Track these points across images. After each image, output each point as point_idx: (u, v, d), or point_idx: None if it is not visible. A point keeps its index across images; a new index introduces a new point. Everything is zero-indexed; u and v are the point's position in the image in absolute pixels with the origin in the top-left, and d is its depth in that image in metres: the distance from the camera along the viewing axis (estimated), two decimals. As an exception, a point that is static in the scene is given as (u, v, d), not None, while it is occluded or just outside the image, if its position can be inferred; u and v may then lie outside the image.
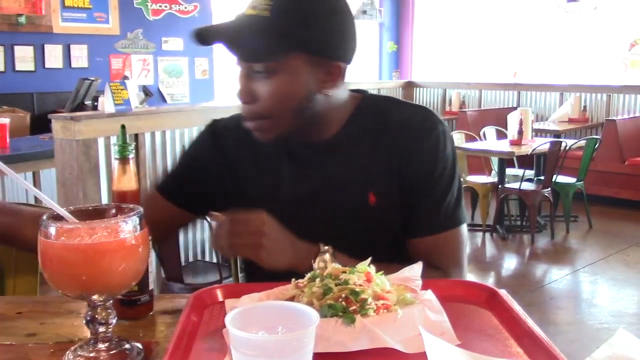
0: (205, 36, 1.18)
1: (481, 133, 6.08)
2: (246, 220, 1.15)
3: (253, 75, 1.18)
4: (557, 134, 6.63)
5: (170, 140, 3.54)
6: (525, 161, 5.42)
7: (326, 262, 1.13)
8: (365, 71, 9.13)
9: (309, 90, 1.20)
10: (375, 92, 7.06)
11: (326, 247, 1.16)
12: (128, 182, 1.02)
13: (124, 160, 1.02)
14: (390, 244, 1.29)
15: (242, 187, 1.34)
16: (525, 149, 5.24)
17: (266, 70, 1.16)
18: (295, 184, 1.30)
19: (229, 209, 1.30)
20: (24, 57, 6.25)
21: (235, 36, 1.16)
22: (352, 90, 1.35)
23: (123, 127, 1.02)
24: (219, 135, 1.37)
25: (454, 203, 1.28)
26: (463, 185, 4.64)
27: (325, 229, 1.22)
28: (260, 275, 1.19)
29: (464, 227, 1.30)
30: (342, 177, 1.28)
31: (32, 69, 6.31)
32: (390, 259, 1.18)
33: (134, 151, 1.03)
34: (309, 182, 1.29)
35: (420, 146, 1.25)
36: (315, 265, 1.13)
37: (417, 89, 9.10)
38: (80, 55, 6.59)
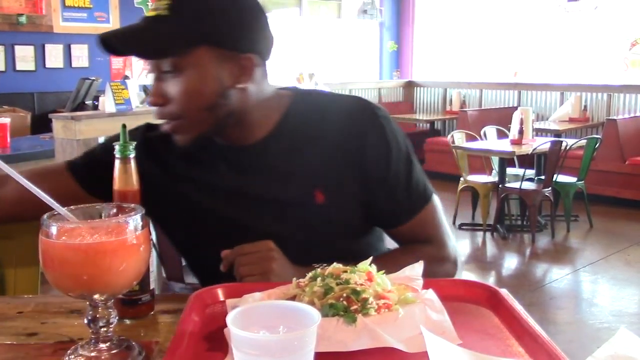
0: (107, 44, 1.15)
1: (482, 133, 6.08)
2: (256, 250, 1.15)
3: (162, 77, 1.17)
4: (557, 134, 6.63)
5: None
6: (525, 161, 5.42)
7: None
8: (366, 71, 9.13)
9: (221, 85, 1.18)
10: (376, 91, 7.06)
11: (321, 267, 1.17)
12: (129, 181, 1.02)
13: (125, 159, 1.02)
14: (348, 239, 1.28)
15: (179, 195, 1.30)
16: (526, 149, 5.24)
17: (172, 68, 1.15)
18: (234, 189, 1.27)
19: (168, 215, 1.31)
20: (25, 56, 6.25)
21: (134, 38, 1.15)
22: (282, 88, 1.33)
23: (124, 126, 1.02)
24: (150, 143, 1.32)
25: (421, 179, 1.29)
26: (464, 185, 4.65)
27: (275, 232, 1.20)
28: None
29: (435, 197, 1.31)
30: (283, 178, 1.25)
31: (33, 68, 6.32)
32: (351, 254, 1.20)
33: (134, 151, 1.03)
34: (248, 185, 1.26)
35: (368, 137, 1.24)
36: None
37: (418, 88, 9.10)
38: (80, 55, 6.60)
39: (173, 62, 1.15)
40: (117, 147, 1.01)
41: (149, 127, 1.37)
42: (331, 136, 1.24)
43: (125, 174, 1.02)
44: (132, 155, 1.02)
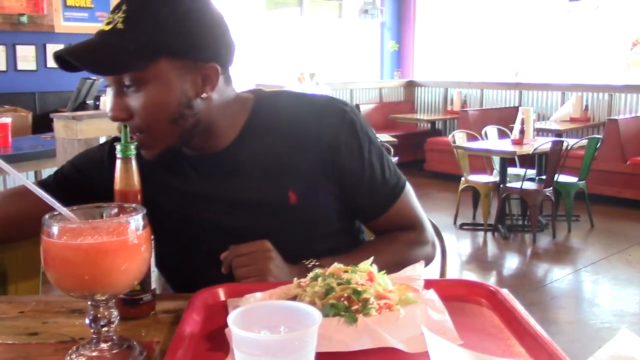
0: (63, 60, 1.12)
1: (483, 132, 6.08)
2: (253, 250, 1.16)
3: (123, 91, 1.15)
4: (558, 134, 6.63)
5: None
6: (526, 161, 5.42)
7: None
8: (367, 71, 9.13)
9: (184, 96, 1.16)
10: (377, 91, 7.05)
11: (311, 263, 1.18)
12: (130, 181, 1.02)
13: (126, 159, 1.02)
14: (326, 237, 1.29)
15: (153, 203, 1.29)
16: (527, 149, 5.24)
17: (133, 82, 1.13)
18: (209, 195, 1.27)
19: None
20: (26, 56, 6.25)
21: (90, 54, 1.12)
22: (244, 91, 1.33)
23: (125, 126, 1.02)
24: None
25: (393, 169, 1.31)
26: (465, 185, 4.64)
27: (252, 234, 1.19)
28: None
29: (408, 186, 1.33)
30: (255, 180, 1.25)
31: (34, 68, 6.32)
32: (331, 251, 1.21)
33: (135, 150, 1.03)
34: (222, 191, 1.26)
35: (340, 135, 1.24)
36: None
37: (419, 88, 9.10)
38: (82, 55, 6.59)
39: (133, 76, 1.12)
40: (118, 147, 1.01)
41: (116, 140, 1.35)
42: (302, 136, 1.24)
43: (126, 174, 1.02)
44: (134, 155, 1.02)
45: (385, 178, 1.29)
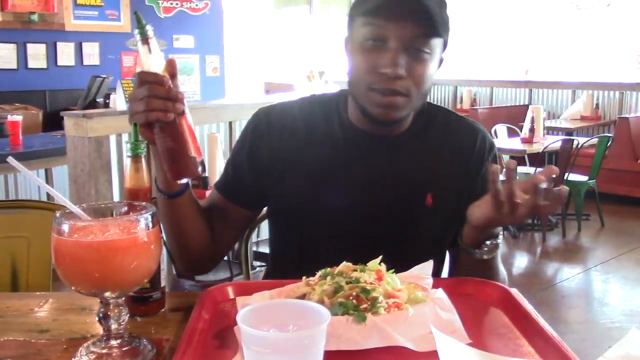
0: (391, 4, 1.18)
1: (492, 131, 6.05)
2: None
3: (410, 52, 1.19)
4: (569, 132, 6.59)
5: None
6: (536, 159, 5.39)
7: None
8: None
9: (434, 73, 1.25)
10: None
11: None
12: (140, 179, 1.03)
13: (136, 157, 1.02)
14: (439, 247, 1.33)
15: (294, 173, 1.32)
16: (537, 147, 5.21)
17: (427, 47, 1.19)
18: (351, 172, 1.29)
19: (279, 194, 1.32)
20: (37, 54, 6.29)
21: (427, 9, 1.17)
22: None
23: (135, 125, 1.03)
24: (272, 121, 1.34)
25: None
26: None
27: (383, 223, 1.23)
28: (285, 268, 1.23)
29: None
30: (402, 175, 1.29)
31: (45, 66, 6.35)
32: (437, 261, 1.24)
33: (145, 149, 1.03)
34: (367, 172, 1.29)
35: (484, 164, 1.31)
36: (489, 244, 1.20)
37: (428, 86, 9.07)
38: (92, 53, 6.63)
39: (429, 42, 1.19)
40: (128, 146, 1.02)
41: (267, 112, 1.37)
42: (453, 151, 1.32)
43: (137, 172, 1.02)
44: (144, 153, 1.02)
45: None
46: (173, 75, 1.04)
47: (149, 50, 1.02)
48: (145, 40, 1.02)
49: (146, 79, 1.02)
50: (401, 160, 1.30)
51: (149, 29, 1.02)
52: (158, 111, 1.01)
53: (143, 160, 1.03)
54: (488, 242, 1.20)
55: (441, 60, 1.28)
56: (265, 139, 1.33)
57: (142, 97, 1.01)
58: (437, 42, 1.21)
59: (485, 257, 1.20)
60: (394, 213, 1.28)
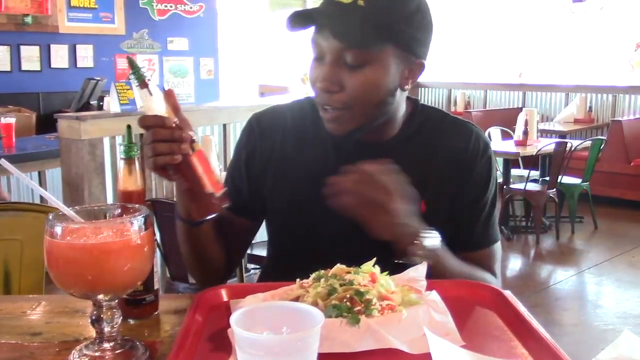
0: (304, 19, 1.16)
1: (486, 133, 6.06)
2: (381, 176, 1.13)
3: (340, 65, 1.17)
4: (562, 135, 6.62)
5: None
6: (530, 162, 5.41)
7: (427, 248, 1.15)
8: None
9: (393, 84, 1.21)
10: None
11: (429, 232, 1.17)
12: (133, 182, 1.02)
13: (129, 160, 1.02)
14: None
15: (284, 176, 1.32)
16: (531, 150, 5.23)
17: (358, 59, 1.15)
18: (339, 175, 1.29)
19: (271, 198, 1.31)
20: (30, 56, 6.27)
21: (338, 22, 1.14)
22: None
23: (129, 127, 1.03)
24: (263, 126, 1.35)
25: (495, 220, 1.34)
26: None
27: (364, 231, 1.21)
28: (281, 270, 1.23)
29: (499, 243, 1.36)
30: None
31: (38, 68, 6.33)
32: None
33: (139, 151, 1.03)
34: None
35: (476, 166, 1.29)
36: (417, 245, 1.14)
37: (423, 89, 9.09)
38: (86, 55, 6.61)
39: (360, 53, 1.15)
40: (121, 148, 1.01)
41: (258, 118, 1.37)
42: (446, 154, 1.29)
43: (129, 175, 1.02)
44: (137, 155, 1.02)
45: (487, 221, 1.32)
46: (176, 108, 1.05)
47: (149, 92, 1.03)
48: (143, 84, 1.02)
49: (148, 124, 1.03)
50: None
51: (145, 72, 1.03)
52: (164, 155, 1.02)
53: (136, 162, 1.02)
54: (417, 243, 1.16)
55: (420, 65, 1.23)
56: (258, 144, 1.33)
57: (148, 142, 1.03)
58: (378, 51, 1.16)
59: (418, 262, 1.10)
60: None
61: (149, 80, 1.03)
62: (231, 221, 1.33)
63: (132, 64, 1.03)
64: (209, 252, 1.27)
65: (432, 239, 1.16)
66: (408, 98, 1.32)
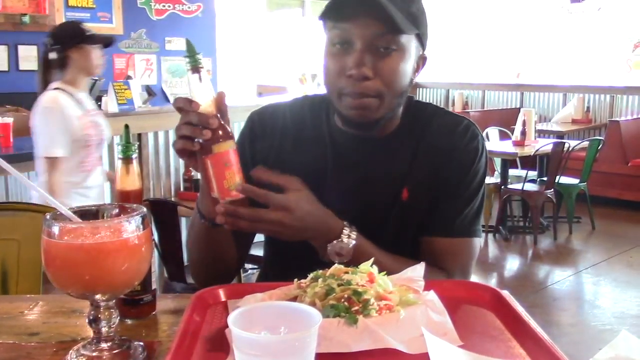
0: (342, 8, 1.16)
1: (484, 134, 6.07)
2: (274, 209, 1.11)
3: (375, 52, 1.17)
4: (560, 135, 6.63)
5: (173, 140, 3.54)
6: (528, 162, 5.41)
7: (342, 249, 1.14)
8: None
9: (411, 75, 1.23)
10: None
11: (349, 231, 1.16)
12: (131, 181, 1.02)
13: (127, 159, 1.02)
14: (412, 240, 1.30)
15: (283, 170, 1.31)
16: (529, 150, 5.24)
17: (393, 45, 1.17)
18: (336, 173, 1.29)
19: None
20: (28, 56, 6.25)
21: (381, 7, 1.13)
22: None
23: (127, 127, 1.02)
24: (262, 123, 1.35)
25: (474, 214, 1.30)
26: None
27: (355, 217, 1.21)
28: (278, 269, 1.24)
29: (477, 241, 1.32)
30: (383, 173, 1.29)
31: (36, 68, 6.31)
32: (410, 255, 1.21)
33: (137, 151, 1.03)
34: (350, 173, 1.29)
35: (459, 153, 1.28)
36: (329, 249, 1.14)
37: (420, 89, 9.09)
38: (83, 55, 6.59)
39: (396, 40, 1.17)
40: (119, 148, 1.01)
41: (259, 115, 1.37)
42: (432, 143, 1.29)
43: (127, 174, 1.02)
44: (135, 155, 1.02)
45: (462, 211, 1.29)
46: (222, 111, 1.07)
47: (199, 79, 1.05)
48: (196, 69, 1.05)
49: (179, 105, 1.06)
50: (389, 161, 1.29)
51: (200, 57, 1.05)
52: (185, 139, 1.05)
53: (134, 162, 1.02)
54: (329, 247, 1.15)
55: (424, 59, 1.26)
56: (258, 142, 1.33)
57: (178, 124, 1.05)
58: (405, 39, 1.18)
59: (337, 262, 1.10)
60: (384, 215, 1.28)
61: (201, 67, 1.05)
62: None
63: (190, 47, 1.05)
64: (222, 254, 1.27)
65: (349, 238, 1.15)
66: None
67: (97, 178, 3.01)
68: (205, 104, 1.06)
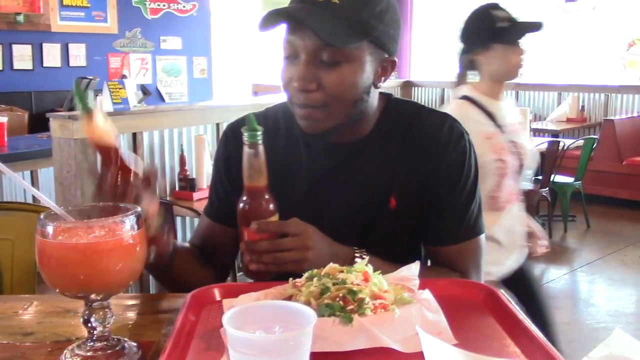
0: (278, 18, 1.15)
1: (479, 133, 6.07)
2: (293, 235, 1.12)
3: (317, 64, 1.16)
4: (555, 134, 6.63)
5: (169, 140, 3.54)
6: (523, 161, 5.41)
7: None
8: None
9: (368, 81, 1.20)
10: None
11: (360, 254, 1.16)
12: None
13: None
14: (405, 247, 1.30)
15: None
16: (524, 149, 5.24)
17: (335, 57, 1.15)
18: (312, 179, 1.28)
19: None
20: (22, 55, 6.24)
21: (315, 20, 1.12)
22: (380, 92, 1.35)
23: (77, 81, 1.02)
24: (236, 138, 1.30)
25: (475, 214, 1.29)
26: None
27: (342, 229, 1.21)
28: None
29: (483, 236, 1.31)
30: (365, 180, 1.27)
31: (31, 67, 6.30)
32: (404, 262, 1.20)
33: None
34: (328, 179, 1.28)
35: (448, 155, 1.25)
36: None
37: (415, 88, 9.10)
38: (78, 54, 6.59)
39: (336, 51, 1.14)
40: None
41: (232, 132, 1.36)
42: (416, 146, 1.26)
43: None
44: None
45: (465, 215, 1.27)
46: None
47: (256, 154, 1.08)
48: (254, 145, 1.07)
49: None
50: (368, 166, 1.27)
51: (260, 134, 1.07)
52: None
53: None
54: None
55: (392, 62, 1.24)
56: (233, 153, 1.31)
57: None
58: (353, 48, 1.15)
59: None
60: (369, 223, 1.27)
61: (260, 144, 1.08)
62: (219, 233, 1.34)
63: (251, 123, 1.07)
64: (190, 279, 1.24)
65: (362, 259, 1.13)
66: (380, 94, 1.31)
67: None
68: (258, 179, 1.08)
